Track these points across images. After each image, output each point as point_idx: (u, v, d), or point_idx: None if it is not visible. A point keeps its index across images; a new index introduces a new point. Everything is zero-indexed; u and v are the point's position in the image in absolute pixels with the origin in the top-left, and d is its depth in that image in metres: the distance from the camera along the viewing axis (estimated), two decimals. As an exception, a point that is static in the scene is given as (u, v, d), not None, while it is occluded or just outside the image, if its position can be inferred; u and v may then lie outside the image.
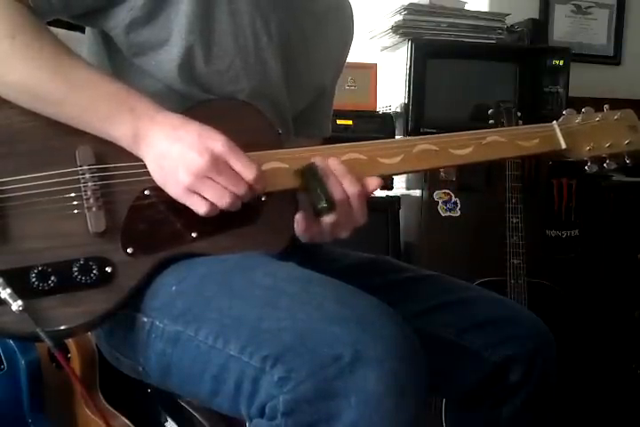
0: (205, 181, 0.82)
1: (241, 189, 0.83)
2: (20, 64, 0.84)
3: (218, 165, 0.82)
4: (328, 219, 0.90)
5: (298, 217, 0.93)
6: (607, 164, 1.08)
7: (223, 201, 0.83)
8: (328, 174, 0.90)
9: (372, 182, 0.92)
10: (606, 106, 1.09)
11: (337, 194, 0.89)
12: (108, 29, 0.94)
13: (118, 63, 0.98)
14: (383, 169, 0.96)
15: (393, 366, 0.70)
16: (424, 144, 0.98)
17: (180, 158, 0.82)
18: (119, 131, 0.85)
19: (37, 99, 0.85)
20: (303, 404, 0.70)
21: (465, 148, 1.00)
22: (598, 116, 1.07)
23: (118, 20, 0.91)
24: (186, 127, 0.84)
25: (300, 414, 0.70)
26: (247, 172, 0.83)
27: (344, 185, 0.90)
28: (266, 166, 0.89)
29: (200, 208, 0.84)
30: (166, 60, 0.93)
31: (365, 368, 0.69)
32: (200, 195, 0.83)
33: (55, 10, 0.90)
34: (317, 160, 0.91)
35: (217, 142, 0.83)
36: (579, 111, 1.08)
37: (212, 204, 0.83)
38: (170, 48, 0.92)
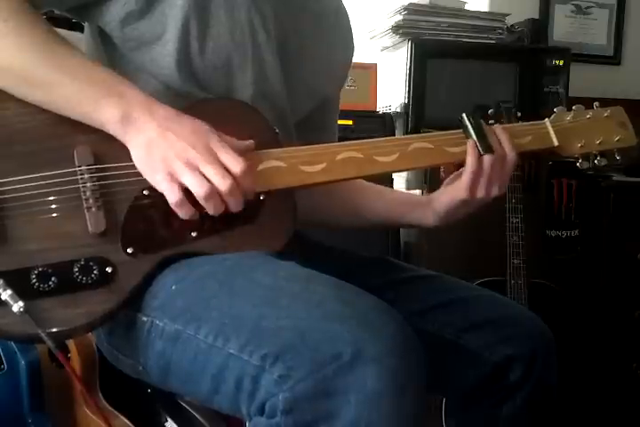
0: (191, 169, 0.81)
1: (224, 183, 0.81)
2: (10, 46, 0.83)
3: (208, 156, 0.82)
4: (488, 158, 0.99)
5: (468, 167, 1.00)
6: (598, 160, 1.10)
7: (200, 189, 0.81)
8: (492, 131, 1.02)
9: None
10: (596, 103, 1.11)
11: (496, 145, 1.01)
12: (104, 24, 0.94)
13: (115, 61, 0.97)
14: (380, 167, 0.97)
15: (393, 365, 0.70)
16: (419, 142, 0.99)
17: (172, 147, 0.82)
18: (106, 114, 0.83)
19: (26, 82, 0.84)
20: (303, 402, 0.70)
21: (460, 145, 1.01)
22: (589, 114, 1.09)
23: (113, 14, 0.91)
24: (179, 121, 0.84)
25: (300, 413, 0.70)
26: (235, 165, 0.82)
27: (504, 145, 1.02)
28: (264, 166, 0.90)
29: (173, 196, 0.82)
30: (162, 54, 0.93)
31: (365, 367, 0.69)
32: (179, 184, 0.82)
33: (50, 2, 0.90)
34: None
35: (210, 138, 0.83)
36: (569, 109, 1.10)
37: (182, 195, 0.82)
38: (165, 43, 0.92)
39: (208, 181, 0.81)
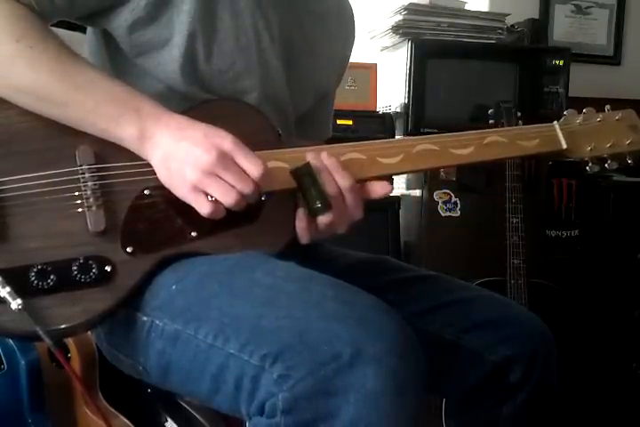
0: (212, 178, 0.82)
1: (247, 187, 0.82)
2: (24, 67, 0.84)
3: (225, 161, 0.82)
4: (324, 219, 0.89)
5: (298, 216, 0.92)
6: (608, 164, 1.08)
7: (228, 198, 0.82)
8: (321, 170, 0.89)
9: (379, 187, 0.92)
10: (608, 106, 1.09)
11: (330, 189, 0.89)
12: (111, 29, 0.94)
13: (119, 63, 0.98)
14: (383, 169, 0.97)
15: (392, 365, 0.70)
16: (424, 144, 0.98)
17: (187, 156, 0.82)
18: (125, 132, 0.85)
19: (42, 101, 0.85)
20: (302, 402, 0.70)
21: (466, 148, 1.00)
22: (599, 117, 1.07)
23: (121, 21, 0.91)
24: (192, 127, 0.84)
25: (299, 412, 0.70)
26: (253, 168, 0.83)
27: (337, 179, 0.89)
28: (265, 166, 0.89)
29: (203, 208, 0.83)
30: (168, 59, 0.93)
31: (364, 366, 0.69)
32: (206, 194, 0.83)
33: (59, 12, 0.90)
34: (310, 158, 0.90)
35: (224, 140, 0.83)
36: (580, 111, 1.08)
37: (215, 204, 0.83)
38: (172, 48, 0.93)
39: (231, 186, 0.82)
